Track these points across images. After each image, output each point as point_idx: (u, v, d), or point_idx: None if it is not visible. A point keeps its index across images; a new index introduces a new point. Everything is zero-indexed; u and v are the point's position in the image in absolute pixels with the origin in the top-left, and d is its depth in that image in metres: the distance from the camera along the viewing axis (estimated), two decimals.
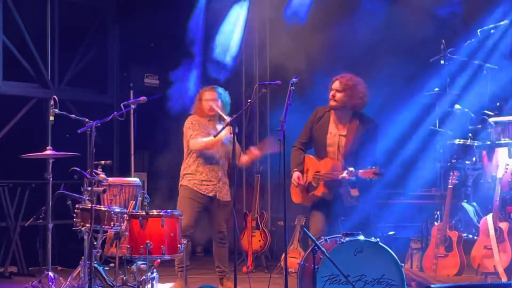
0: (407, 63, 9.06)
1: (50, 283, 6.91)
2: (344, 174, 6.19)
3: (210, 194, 7.28)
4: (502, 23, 8.62)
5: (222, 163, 7.41)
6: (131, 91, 9.93)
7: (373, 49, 9.56)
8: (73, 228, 6.58)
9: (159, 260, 6.58)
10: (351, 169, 6.16)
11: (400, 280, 5.78)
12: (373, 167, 6.09)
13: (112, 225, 6.51)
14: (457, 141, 8.29)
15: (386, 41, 9.47)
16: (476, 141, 8.20)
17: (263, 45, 10.58)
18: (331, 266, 5.67)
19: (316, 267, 5.64)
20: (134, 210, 6.72)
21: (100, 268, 6.70)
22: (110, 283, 6.65)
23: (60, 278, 7.06)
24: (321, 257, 5.70)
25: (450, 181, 7.87)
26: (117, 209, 6.60)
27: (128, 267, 6.63)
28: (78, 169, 6.54)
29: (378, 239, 5.85)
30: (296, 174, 6.51)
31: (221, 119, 7.30)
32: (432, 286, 6.30)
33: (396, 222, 9.23)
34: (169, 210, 6.61)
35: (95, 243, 6.54)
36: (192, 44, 10.34)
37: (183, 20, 10.29)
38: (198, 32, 10.41)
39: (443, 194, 8.24)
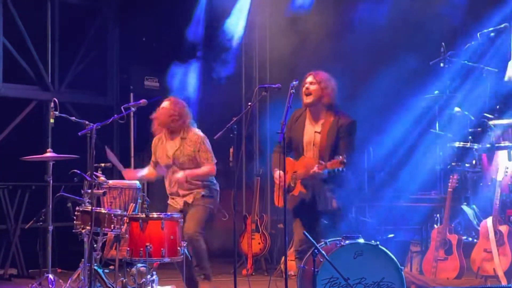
0: (408, 64, 9.08)
1: (50, 286, 6.92)
2: (315, 168, 6.16)
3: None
4: (501, 26, 8.63)
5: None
6: (131, 94, 9.94)
7: (374, 51, 9.57)
8: (73, 231, 6.58)
9: (157, 262, 6.57)
10: (321, 162, 6.15)
11: (400, 283, 5.77)
12: (339, 156, 6.05)
13: (112, 228, 6.51)
14: (457, 144, 8.30)
15: (386, 46, 9.49)
16: (476, 144, 8.21)
17: (264, 47, 10.58)
18: (331, 269, 5.67)
19: (316, 270, 5.64)
20: (134, 213, 6.72)
21: (100, 271, 6.70)
22: (110, 286, 6.65)
23: (60, 281, 7.07)
24: (321, 260, 5.70)
25: (450, 184, 7.87)
26: (117, 212, 6.60)
27: (128, 269, 6.63)
28: (78, 171, 6.55)
29: (378, 242, 5.85)
30: (277, 173, 6.45)
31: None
32: None
33: (396, 225, 9.24)
34: (169, 213, 6.62)
35: (95, 245, 6.54)
36: (193, 46, 10.36)
37: (183, 23, 10.30)
38: (199, 35, 10.43)
39: (443, 197, 8.24)
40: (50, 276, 6.99)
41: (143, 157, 10.83)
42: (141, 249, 6.29)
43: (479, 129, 8.35)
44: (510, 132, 8.09)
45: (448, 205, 7.83)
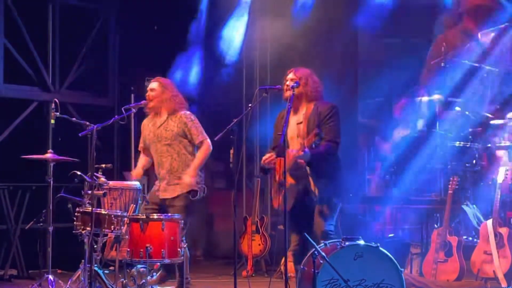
0: (409, 64, 9.11)
1: (50, 286, 6.92)
2: (295, 151, 6.17)
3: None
4: (502, 26, 8.65)
5: (162, 157, 7.13)
6: (132, 95, 9.94)
7: (376, 51, 9.59)
8: (74, 232, 6.58)
9: (158, 264, 6.57)
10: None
11: (400, 285, 5.77)
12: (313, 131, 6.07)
13: (112, 229, 6.51)
14: (457, 144, 8.30)
15: (389, 44, 9.51)
16: (476, 144, 8.21)
17: (265, 48, 10.58)
18: (331, 271, 5.67)
19: (316, 271, 5.64)
20: (134, 214, 6.72)
21: (100, 272, 6.70)
22: (110, 287, 6.65)
23: (60, 281, 7.07)
24: (321, 261, 5.70)
25: (450, 186, 7.88)
26: (118, 213, 6.60)
27: (128, 270, 6.63)
28: (79, 172, 6.55)
29: (378, 244, 5.85)
30: (264, 156, 6.44)
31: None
32: None
33: (396, 226, 9.25)
34: (169, 214, 6.62)
35: (95, 246, 6.54)
36: (193, 47, 10.36)
37: (184, 25, 10.31)
38: (200, 36, 10.43)
39: (442, 198, 8.24)
40: (50, 277, 6.98)
41: None
42: (141, 250, 6.29)
43: (479, 128, 8.37)
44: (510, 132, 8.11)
45: (448, 207, 7.83)
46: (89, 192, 6.51)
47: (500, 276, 7.40)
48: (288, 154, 6.13)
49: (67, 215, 6.83)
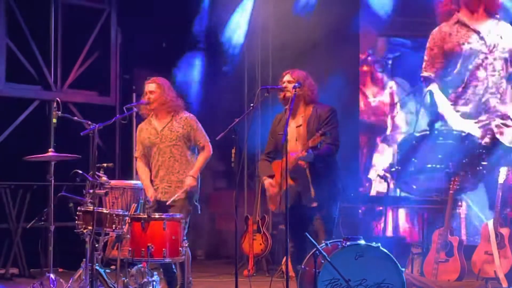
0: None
1: (51, 285, 6.92)
2: (299, 152, 6.16)
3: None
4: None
5: (165, 158, 7.00)
6: (134, 94, 9.95)
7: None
8: (75, 231, 6.58)
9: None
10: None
11: (401, 285, 5.78)
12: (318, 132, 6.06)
13: (114, 228, 6.51)
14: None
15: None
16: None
17: (266, 48, 10.60)
18: (332, 270, 5.67)
19: (317, 271, 5.65)
20: (136, 213, 6.73)
21: (102, 271, 6.70)
22: (111, 286, 6.66)
23: (61, 280, 7.07)
24: (322, 261, 5.70)
25: (451, 186, 7.88)
26: (119, 212, 6.60)
27: (129, 269, 6.63)
28: (80, 171, 6.56)
29: (379, 244, 5.86)
30: (267, 182, 6.45)
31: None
32: None
33: (397, 226, 9.26)
34: (171, 213, 6.62)
35: (96, 245, 6.55)
36: (195, 47, 10.37)
37: (186, 24, 10.32)
38: (201, 36, 10.44)
39: (443, 199, 8.24)
40: (52, 275, 6.98)
41: None
42: (143, 249, 6.29)
43: (480, 128, 8.39)
44: None
45: (449, 207, 7.83)
46: (91, 191, 6.51)
47: (501, 276, 7.41)
48: (289, 157, 6.11)
49: (68, 214, 6.84)
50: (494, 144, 8.62)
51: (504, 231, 7.52)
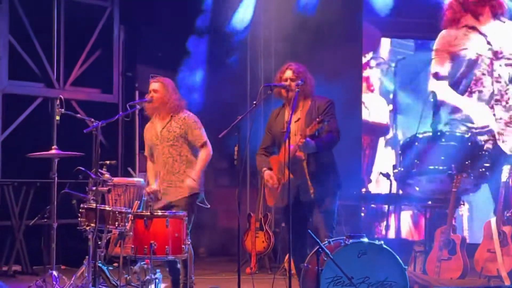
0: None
1: (54, 282, 6.93)
2: (297, 141, 6.12)
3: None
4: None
5: (164, 159, 6.96)
6: (137, 91, 9.95)
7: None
8: (78, 228, 6.59)
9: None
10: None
11: (404, 283, 5.78)
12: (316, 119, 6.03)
13: (116, 225, 6.52)
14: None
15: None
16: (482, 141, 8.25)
17: (269, 45, 10.60)
18: (335, 268, 5.67)
19: (320, 269, 5.65)
20: (138, 210, 6.73)
21: (104, 268, 6.71)
22: (114, 283, 6.67)
23: (64, 277, 7.09)
24: (325, 259, 5.70)
25: (454, 184, 7.87)
26: (122, 209, 6.61)
27: (131, 267, 6.64)
28: (83, 168, 6.56)
29: (382, 242, 5.85)
30: (267, 173, 6.41)
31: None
32: None
33: (399, 223, 9.25)
34: (173, 211, 6.62)
35: (99, 242, 6.55)
36: (198, 45, 10.37)
37: (188, 21, 10.32)
38: (204, 34, 10.44)
39: (446, 197, 8.23)
40: (54, 272, 7.00)
41: None
42: (146, 246, 6.29)
43: (483, 128, 8.38)
44: None
45: (452, 205, 7.83)
46: (94, 188, 6.52)
47: (504, 274, 7.41)
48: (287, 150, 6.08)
49: (71, 212, 6.84)
50: (495, 150, 8.62)
51: (507, 229, 7.52)
